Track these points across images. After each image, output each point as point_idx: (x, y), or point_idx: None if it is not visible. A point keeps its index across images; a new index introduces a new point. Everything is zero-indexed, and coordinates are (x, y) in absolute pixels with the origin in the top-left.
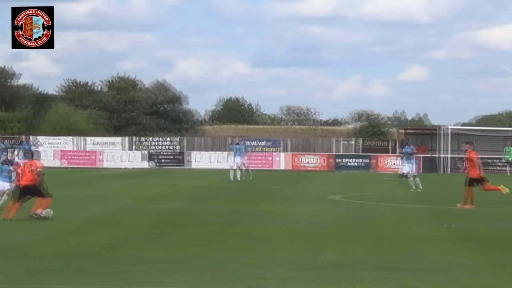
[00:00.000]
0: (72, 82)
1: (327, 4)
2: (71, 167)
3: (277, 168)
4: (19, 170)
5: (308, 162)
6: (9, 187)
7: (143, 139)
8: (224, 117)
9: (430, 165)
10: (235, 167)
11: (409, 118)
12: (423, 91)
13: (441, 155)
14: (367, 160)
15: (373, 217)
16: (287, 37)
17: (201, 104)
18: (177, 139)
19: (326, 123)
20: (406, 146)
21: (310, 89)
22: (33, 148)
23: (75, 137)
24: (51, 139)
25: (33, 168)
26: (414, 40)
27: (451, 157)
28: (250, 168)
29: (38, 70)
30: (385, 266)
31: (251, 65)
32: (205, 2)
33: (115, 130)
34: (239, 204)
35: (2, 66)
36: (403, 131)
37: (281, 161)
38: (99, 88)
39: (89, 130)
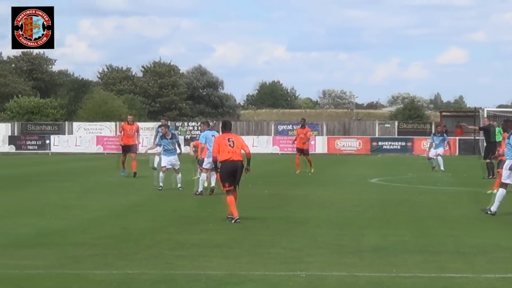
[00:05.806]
0: (108, 68)
1: None
2: (107, 153)
3: (313, 152)
4: None
5: (344, 146)
6: None
7: (178, 123)
8: (260, 101)
9: (466, 148)
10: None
11: (445, 101)
12: (461, 73)
13: (480, 137)
14: (405, 143)
15: (412, 200)
16: (325, 21)
17: (239, 88)
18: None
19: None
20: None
21: (348, 72)
22: None
23: (110, 123)
24: (87, 125)
25: None
26: (452, 23)
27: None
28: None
29: (77, 57)
30: (425, 249)
31: (289, 49)
32: None
33: (151, 115)
34: (277, 188)
35: (39, 52)
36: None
37: (318, 144)
38: (134, 73)
39: (126, 116)
